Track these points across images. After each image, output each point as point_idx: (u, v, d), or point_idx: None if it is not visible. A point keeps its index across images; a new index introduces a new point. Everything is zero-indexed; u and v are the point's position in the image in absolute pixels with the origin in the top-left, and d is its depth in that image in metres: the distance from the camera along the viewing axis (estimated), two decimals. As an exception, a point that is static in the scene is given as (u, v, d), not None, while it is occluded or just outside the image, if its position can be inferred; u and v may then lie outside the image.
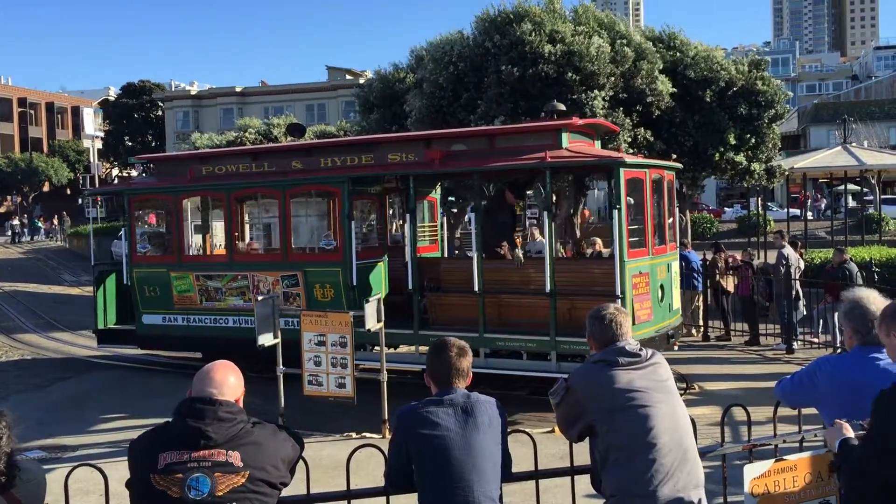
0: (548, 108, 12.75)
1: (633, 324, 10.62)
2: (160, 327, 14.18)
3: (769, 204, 36.20)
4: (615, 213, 10.54)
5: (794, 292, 14.75)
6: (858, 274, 14.25)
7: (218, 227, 15.10)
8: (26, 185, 71.48)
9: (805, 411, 4.45)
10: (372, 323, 10.13)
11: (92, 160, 74.93)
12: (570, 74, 17.25)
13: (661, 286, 11.58)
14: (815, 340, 15.05)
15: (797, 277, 14.99)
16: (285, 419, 10.07)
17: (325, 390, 10.26)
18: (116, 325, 15.28)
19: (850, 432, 3.33)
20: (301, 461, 3.53)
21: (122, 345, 15.49)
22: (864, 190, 35.63)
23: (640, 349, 3.87)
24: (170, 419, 3.27)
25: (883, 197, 35.92)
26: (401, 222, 16.91)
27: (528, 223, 20.77)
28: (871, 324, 3.73)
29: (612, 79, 17.81)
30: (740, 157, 19.91)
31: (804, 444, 4.35)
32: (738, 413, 4.73)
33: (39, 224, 59.91)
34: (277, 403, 10.46)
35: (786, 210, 31.18)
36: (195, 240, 15.20)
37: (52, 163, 72.44)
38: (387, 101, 22.47)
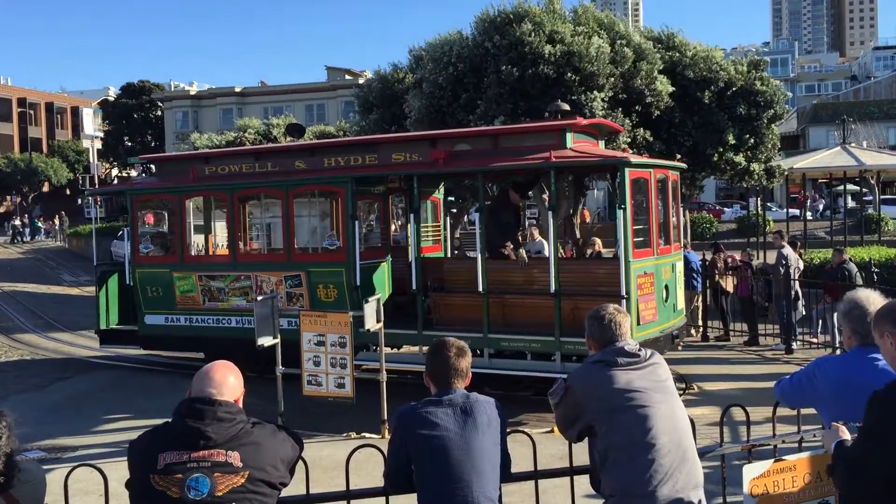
0: (552, 108, 12.73)
1: (638, 324, 10.60)
2: (162, 327, 14.16)
3: (769, 204, 36.22)
4: (620, 213, 10.51)
5: (793, 293, 14.76)
6: (858, 274, 14.25)
7: (221, 228, 15.09)
8: (26, 186, 71.48)
9: (804, 412, 4.46)
10: (371, 323, 10.13)
11: (91, 160, 74.97)
12: (569, 75, 17.26)
13: (666, 286, 11.56)
14: (815, 341, 15.06)
15: (796, 278, 15.00)
16: (285, 419, 10.08)
17: (325, 390, 10.26)
18: (119, 326, 15.27)
19: (846, 434, 3.34)
20: (300, 461, 3.53)
21: (125, 345, 15.46)
22: (864, 190, 35.65)
23: (639, 349, 3.87)
24: (169, 419, 3.27)
25: (882, 197, 35.92)
26: (400, 222, 16.91)
27: (527, 223, 20.76)
28: (870, 324, 3.74)
29: (612, 79, 17.82)
30: (739, 158, 19.93)
31: (803, 445, 4.35)
32: (738, 413, 4.74)
33: (39, 224, 59.91)
34: (277, 403, 10.47)
35: (785, 210, 31.19)
36: (198, 240, 15.18)
37: (52, 163, 72.44)
38: (386, 101, 22.48)
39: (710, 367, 13.75)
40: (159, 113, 71.12)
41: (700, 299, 16.65)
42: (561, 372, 10.40)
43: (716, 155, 19.36)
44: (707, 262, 16.52)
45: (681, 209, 13.66)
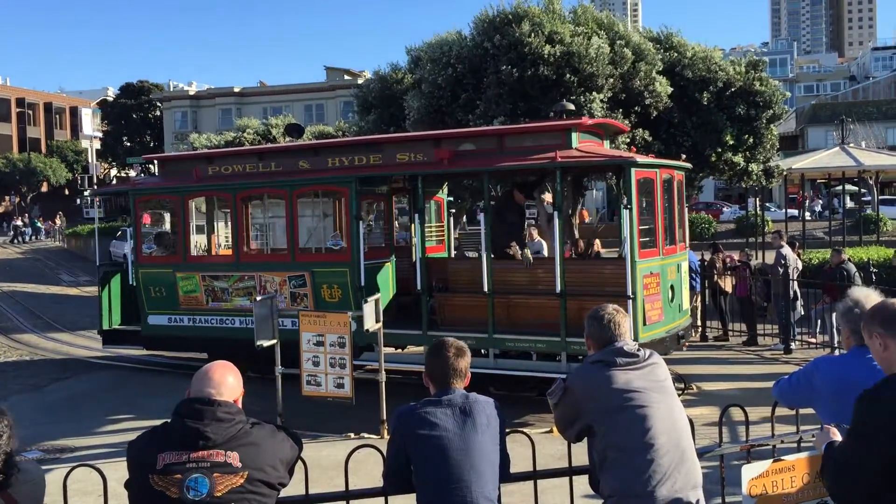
0: (557, 108, 12.70)
1: (644, 324, 10.58)
2: (166, 328, 14.12)
3: (767, 204, 36.23)
4: (626, 213, 10.49)
5: (791, 293, 14.77)
6: (856, 274, 14.26)
7: (224, 228, 15.06)
8: (24, 186, 71.47)
9: (803, 412, 4.46)
10: (370, 323, 10.12)
11: (90, 160, 74.97)
12: (568, 76, 17.27)
13: (672, 287, 11.55)
14: (813, 341, 15.06)
15: (795, 278, 15.00)
16: (284, 419, 10.08)
17: (324, 391, 10.25)
18: (121, 326, 15.26)
19: (837, 436, 3.35)
20: (300, 461, 3.54)
21: (128, 345, 15.43)
22: (862, 190, 35.65)
23: (638, 349, 3.87)
24: (169, 420, 3.27)
25: (881, 197, 35.94)
26: (400, 222, 16.89)
27: (526, 223, 20.75)
28: None
29: (611, 80, 17.83)
30: (738, 158, 19.95)
31: (802, 445, 4.35)
32: (736, 413, 4.75)
33: (39, 224, 59.92)
34: (276, 404, 10.46)
35: (784, 211, 31.21)
36: (201, 240, 15.15)
37: (51, 163, 72.43)
38: (385, 101, 22.49)
39: (709, 368, 13.75)
40: (158, 113, 71.13)
41: (699, 299, 16.66)
42: (566, 372, 10.39)
43: (714, 155, 19.38)
44: (706, 263, 16.52)
45: (686, 209, 13.64)
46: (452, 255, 14.99)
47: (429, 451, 3.58)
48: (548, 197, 13.27)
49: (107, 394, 13.92)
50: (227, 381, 3.33)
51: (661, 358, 3.97)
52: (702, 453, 4.08)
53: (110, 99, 79.02)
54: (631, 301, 10.38)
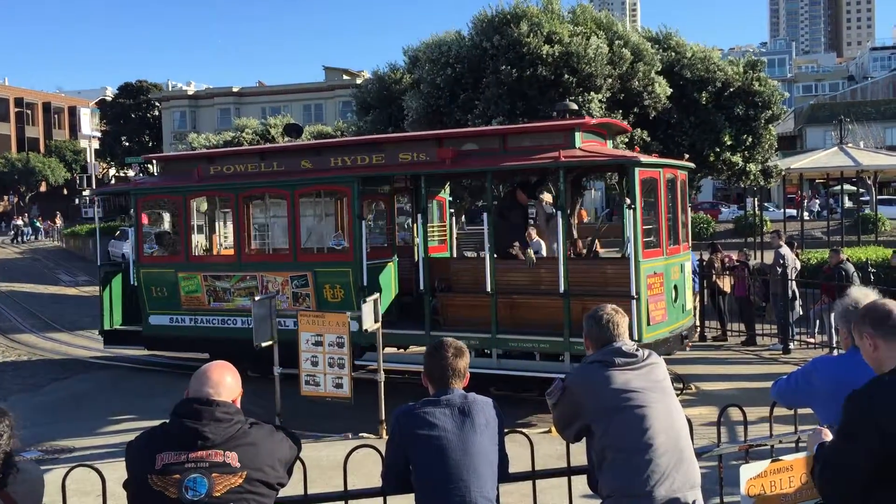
0: (559, 108, 12.66)
1: (648, 325, 10.56)
2: (167, 328, 14.10)
3: (766, 204, 36.25)
4: (630, 212, 10.46)
5: (790, 293, 14.77)
6: (855, 274, 14.27)
7: (226, 227, 15.03)
8: (23, 186, 71.43)
9: (801, 412, 4.47)
10: (369, 323, 10.12)
11: (89, 160, 74.92)
12: (567, 77, 17.28)
13: (675, 286, 11.53)
14: (812, 341, 15.07)
15: (793, 278, 15.02)
16: (282, 419, 10.08)
17: (323, 390, 10.25)
18: (123, 326, 15.24)
19: (829, 437, 3.36)
20: (298, 461, 3.54)
21: (129, 346, 15.41)
22: (861, 190, 35.68)
23: (637, 349, 3.88)
24: (167, 420, 3.27)
25: (879, 197, 35.95)
26: (398, 222, 16.87)
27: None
28: None
29: (610, 80, 17.84)
30: (737, 158, 19.96)
31: (800, 445, 4.35)
32: (735, 413, 4.75)
33: (38, 224, 59.91)
34: (275, 403, 10.46)
35: (782, 210, 31.23)
36: (203, 240, 15.13)
37: (49, 163, 72.40)
38: (384, 101, 22.49)
39: (708, 367, 13.76)
40: (157, 113, 71.12)
41: (697, 299, 16.66)
42: (568, 373, 10.36)
43: (713, 155, 19.39)
44: (704, 263, 16.53)
45: (689, 209, 13.64)
46: (455, 255, 14.98)
47: (428, 452, 3.58)
48: (547, 197, 13.26)
49: (105, 394, 13.91)
50: (225, 382, 3.33)
51: (660, 358, 3.98)
52: (700, 453, 4.08)
53: (109, 99, 78.99)
54: (635, 301, 10.36)
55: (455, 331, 11.07)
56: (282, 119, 40.62)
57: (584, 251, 13.67)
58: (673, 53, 19.70)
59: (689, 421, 3.92)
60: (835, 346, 13.62)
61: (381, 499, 4.05)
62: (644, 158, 11.16)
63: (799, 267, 15.77)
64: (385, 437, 8.37)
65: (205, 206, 15.00)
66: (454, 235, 15.49)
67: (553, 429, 8.07)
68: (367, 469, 4.57)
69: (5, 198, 74.07)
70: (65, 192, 76.01)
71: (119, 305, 15.25)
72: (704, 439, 6.35)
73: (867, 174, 29.22)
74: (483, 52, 18.32)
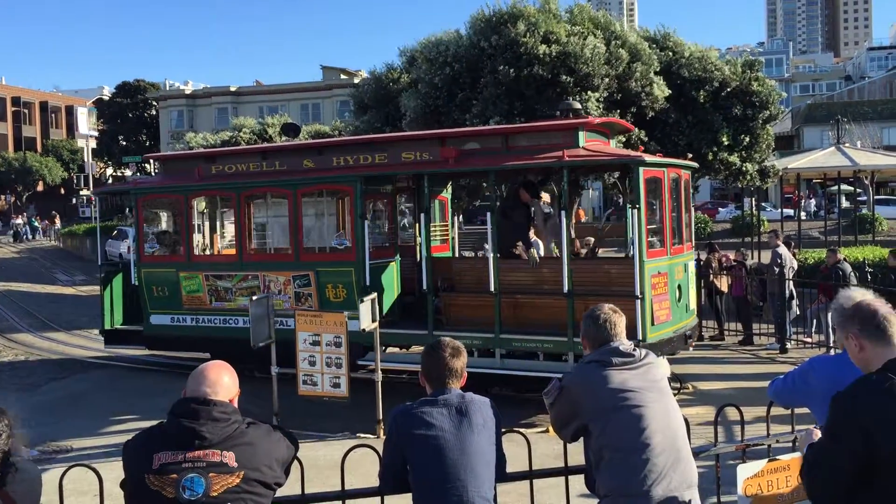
0: (562, 107, 12.63)
1: (653, 324, 10.54)
2: (168, 328, 14.06)
3: (763, 204, 36.27)
4: (634, 212, 10.44)
5: (787, 292, 14.79)
6: (852, 274, 14.29)
7: (227, 227, 14.99)
8: (20, 185, 71.36)
9: (798, 411, 4.47)
10: (366, 323, 10.12)
11: (86, 159, 74.83)
12: (564, 76, 17.28)
13: (679, 286, 11.50)
14: (809, 340, 15.10)
15: (790, 277, 15.03)
16: (280, 419, 10.08)
17: (320, 390, 10.25)
18: (123, 326, 15.20)
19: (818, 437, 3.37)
20: (296, 461, 3.54)
21: (130, 345, 15.36)
22: (858, 190, 35.72)
23: (634, 349, 3.88)
24: (165, 419, 3.27)
25: (876, 197, 35.98)
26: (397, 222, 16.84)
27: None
28: None
29: (607, 80, 17.84)
30: (734, 158, 19.98)
31: (797, 445, 4.36)
32: (732, 413, 4.76)
33: (37, 224, 59.83)
34: (272, 403, 10.46)
35: (779, 210, 31.26)
36: (204, 239, 15.10)
37: (46, 162, 72.33)
38: (381, 101, 22.47)
39: (705, 367, 13.77)
40: (154, 112, 71.03)
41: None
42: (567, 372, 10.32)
43: (710, 155, 19.40)
44: (702, 262, 16.54)
45: (693, 208, 13.62)
46: (457, 255, 14.94)
47: (425, 451, 3.59)
48: (545, 196, 13.25)
49: (103, 393, 13.90)
50: (222, 381, 3.33)
51: (657, 358, 3.98)
52: (697, 453, 4.09)
53: (106, 98, 78.94)
54: (639, 301, 10.35)
55: (458, 331, 11.08)
56: (279, 118, 40.57)
57: (583, 251, 13.65)
58: (670, 53, 19.71)
59: (686, 420, 3.93)
60: (831, 345, 13.63)
61: (378, 499, 4.05)
62: (648, 158, 11.12)
63: (796, 267, 15.79)
64: (382, 436, 8.37)
65: (202, 206, 14.97)
66: (456, 235, 15.46)
67: (550, 428, 8.08)
68: (365, 469, 4.58)
69: (2, 197, 73.99)
70: (62, 191, 75.94)
71: (120, 305, 15.22)
72: (701, 439, 6.36)
73: (864, 174, 29.24)
74: (481, 51, 18.32)
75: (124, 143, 71.73)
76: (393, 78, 22.59)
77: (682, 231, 12.04)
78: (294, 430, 4.02)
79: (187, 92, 69.50)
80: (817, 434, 3.41)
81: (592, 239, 13.74)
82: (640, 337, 10.25)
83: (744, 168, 20.39)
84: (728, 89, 19.68)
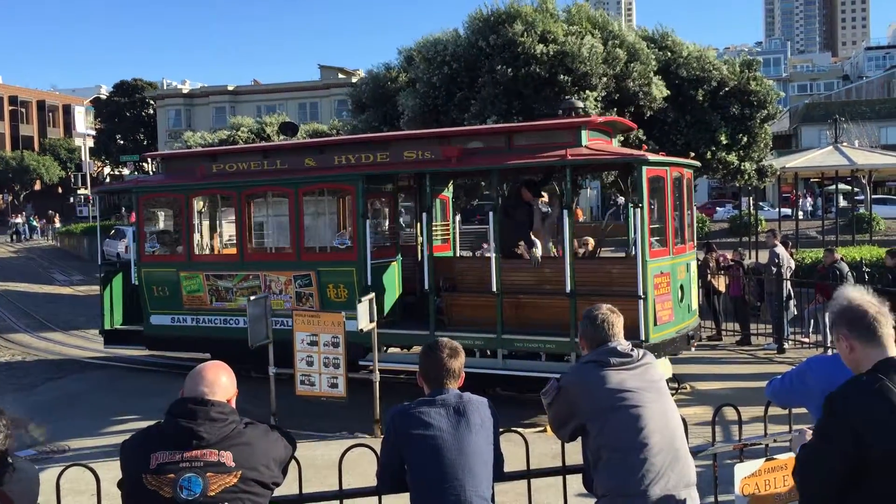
0: (565, 106, 12.58)
1: (655, 325, 10.51)
2: (168, 328, 14.01)
3: (761, 204, 36.32)
4: (637, 211, 10.40)
5: (785, 292, 14.80)
6: (849, 274, 14.30)
7: (228, 226, 14.94)
8: (17, 184, 71.27)
9: (795, 411, 4.47)
10: (364, 323, 10.11)
11: (83, 158, 74.76)
12: (562, 76, 17.28)
13: (681, 286, 11.48)
14: (806, 340, 15.12)
15: (788, 277, 15.05)
16: (277, 418, 10.08)
17: (318, 390, 10.26)
18: (123, 326, 15.16)
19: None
20: (293, 461, 3.54)
21: (130, 345, 15.32)
22: (855, 190, 35.78)
23: (632, 349, 3.89)
24: (162, 419, 3.27)
25: (874, 197, 36.05)
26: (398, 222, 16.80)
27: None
28: None
29: (605, 79, 17.84)
30: (732, 157, 19.98)
31: (791, 445, 4.37)
32: (729, 413, 4.76)
33: (35, 223, 59.79)
34: (269, 403, 10.46)
35: (777, 210, 31.28)
36: (205, 239, 15.07)
37: (44, 161, 72.24)
38: (379, 100, 22.45)
39: (703, 367, 13.78)
40: (152, 111, 70.96)
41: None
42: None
43: (708, 154, 19.40)
44: (699, 262, 16.54)
45: (695, 208, 13.59)
46: (458, 255, 14.90)
47: (423, 451, 3.59)
48: (543, 196, 13.23)
49: (100, 394, 13.88)
50: (220, 381, 3.33)
51: (657, 358, 3.99)
52: (695, 452, 4.09)
53: (103, 97, 78.84)
54: (642, 301, 10.33)
55: (460, 331, 11.07)
56: (277, 117, 40.51)
57: (580, 251, 13.63)
58: (669, 53, 19.71)
59: (683, 420, 3.93)
60: (829, 345, 13.64)
61: (376, 498, 4.05)
62: (651, 157, 11.09)
63: (794, 266, 15.81)
64: (380, 436, 8.37)
65: (201, 205, 14.93)
66: (457, 234, 15.43)
67: (548, 428, 8.08)
68: (363, 468, 4.58)
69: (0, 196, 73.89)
70: (59, 190, 75.85)
71: (119, 305, 15.18)
72: (699, 438, 6.37)
73: (862, 173, 29.29)
74: (479, 51, 18.31)
75: (122, 142, 71.64)
76: (391, 77, 22.57)
77: (685, 230, 12.02)
78: (292, 430, 4.02)
79: (185, 91, 69.45)
80: (810, 434, 3.42)
81: (590, 239, 13.72)
82: (642, 337, 10.22)
83: (742, 167, 20.39)
84: (726, 89, 19.68)
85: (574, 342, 10.65)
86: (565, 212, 11.08)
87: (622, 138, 17.34)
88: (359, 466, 4.66)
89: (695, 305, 12.39)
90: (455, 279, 12.44)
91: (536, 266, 11.51)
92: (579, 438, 3.84)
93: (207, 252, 14.80)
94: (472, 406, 3.70)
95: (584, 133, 11.32)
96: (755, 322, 15.92)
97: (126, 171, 73.46)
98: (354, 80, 44.27)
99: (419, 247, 13.50)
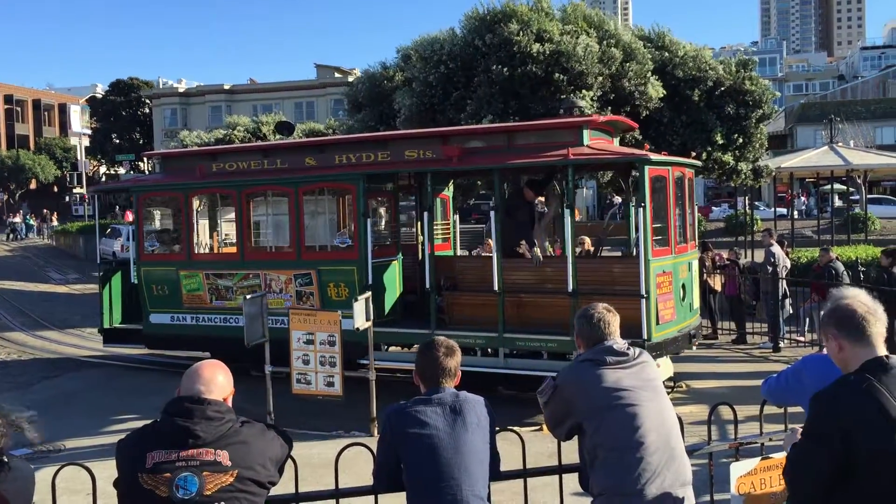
0: (566, 105, 12.54)
1: (658, 323, 10.50)
2: (168, 327, 13.99)
3: (756, 203, 36.35)
4: (640, 211, 10.39)
5: (780, 291, 14.83)
6: (845, 273, 14.33)
7: (228, 225, 14.91)
8: (13, 183, 71.06)
9: (791, 410, 4.48)
10: (361, 321, 10.09)
11: (79, 158, 74.55)
12: (558, 75, 17.28)
13: (683, 285, 11.47)
14: (802, 339, 15.14)
15: (784, 276, 15.07)
16: (274, 417, 10.08)
17: (314, 389, 10.24)
18: (122, 325, 15.13)
19: None
20: (290, 460, 3.54)
21: (129, 344, 15.29)
22: (851, 189, 35.82)
23: (628, 348, 3.89)
24: (158, 418, 3.27)
25: (869, 196, 36.10)
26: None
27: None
28: None
29: (601, 79, 17.86)
30: (728, 157, 20.02)
31: (784, 444, 4.38)
32: (725, 411, 4.76)
33: (32, 222, 59.65)
34: (266, 402, 10.45)
35: (773, 209, 31.33)
36: (205, 238, 15.04)
37: (39, 160, 72.02)
38: (375, 99, 22.45)
39: (698, 366, 13.79)
40: (147, 110, 70.80)
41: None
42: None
43: (704, 154, 19.43)
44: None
45: (696, 207, 13.58)
46: (458, 254, 14.88)
47: (419, 450, 3.59)
48: (540, 196, 13.20)
49: (96, 392, 13.86)
50: (216, 380, 3.33)
51: (650, 356, 3.99)
52: (691, 451, 4.10)
53: (99, 96, 78.55)
54: (644, 300, 10.33)
55: (461, 330, 11.08)
56: (273, 117, 40.46)
57: (577, 250, 13.61)
58: (665, 52, 19.73)
59: (679, 419, 3.94)
60: (824, 344, 13.66)
61: (372, 497, 4.05)
62: (654, 156, 11.08)
63: (789, 265, 15.84)
64: (376, 435, 8.37)
65: (198, 203, 14.89)
66: (458, 233, 15.40)
67: (544, 427, 8.08)
68: (359, 467, 4.58)
69: (-5, 195, 73.69)
70: (55, 189, 75.66)
71: (119, 304, 15.15)
72: (695, 437, 6.38)
73: (857, 173, 29.32)
74: (475, 50, 18.31)
75: (118, 141, 71.43)
76: (387, 76, 22.56)
77: (686, 230, 12.01)
78: (288, 429, 4.02)
79: (181, 90, 69.27)
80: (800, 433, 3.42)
81: (586, 238, 13.71)
82: (644, 336, 10.22)
83: (737, 167, 20.43)
84: (722, 88, 19.71)
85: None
86: (566, 211, 11.06)
87: (618, 138, 17.39)
88: (355, 465, 4.67)
89: (696, 304, 12.39)
90: (456, 278, 12.42)
91: (538, 265, 11.50)
92: (575, 437, 3.84)
93: (207, 251, 14.76)
94: (468, 405, 3.70)
95: (585, 132, 11.30)
96: (751, 321, 15.95)
97: (122, 171, 73.33)
98: (351, 79, 44.23)
99: (420, 246, 13.48)
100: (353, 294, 11.90)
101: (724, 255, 17.12)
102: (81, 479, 4.01)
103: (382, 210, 14.76)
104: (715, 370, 13.58)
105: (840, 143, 29.83)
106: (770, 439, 4.50)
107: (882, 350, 3.12)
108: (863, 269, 14.91)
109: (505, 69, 17.42)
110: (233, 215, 14.12)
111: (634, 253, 11.22)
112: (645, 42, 19.78)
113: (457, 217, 15.35)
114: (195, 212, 14.31)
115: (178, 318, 13.90)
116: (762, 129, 20.85)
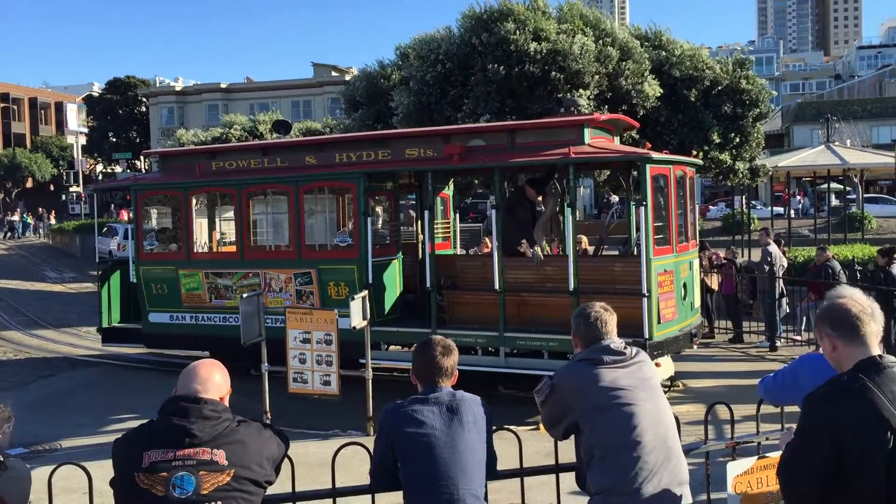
0: (567, 103, 12.51)
1: (659, 322, 10.49)
2: (167, 326, 13.96)
3: (753, 202, 36.38)
4: (641, 209, 10.38)
5: (777, 290, 14.84)
6: (841, 272, 14.34)
7: (228, 224, 14.90)
8: (9, 181, 70.96)
9: (787, 409, 4.48)
10: (357, 320, 10.08)
11: (76, 156, 74.43)
12: (554, 74, 17.29)
13: (684, 284, 11.47)
14: (798, 338, 15.16)
15: (780, 275, 15.08)
16: (270, 417, 10.06)
17: (311, 388, 10.23)
18: (121, 324, 15.12)
19: None
20: (286, 459, 3.53)
21: (128, 343, 15.26)
22: (847, 189, 35.87)
23: (625, 347, 3.89)
24: (155, 417, 3.26)
25: (865, 196, 36.13)
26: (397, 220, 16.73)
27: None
28: None
29: (597, 78, 17.87)
30: (724, 156, 20.04)
31: (779, 443, 4.38)
32: (722, 411, 4.76)
33: (29, 221, 59.53)
34: (262, 401, 10.44)
35: (770, 208, 31.36)
36: (204, 237, 15.00)
37: (36, 158, 71.91)
38: (372, 98, 22.44)
39: (695, 365, 13.80)
40: (144, 109, 70.71)
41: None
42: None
43: (701, 153, 19.46)
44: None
45: (697, 206, 13.57)
46: (458, 252, 14.85)
47: (416, 449, 3.59)
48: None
49: (92, 391, 13.84)
50: (213, 379, 3.33)
51: (647, 355, 3.99)
52: (687, 450, 4.10)
53: (96, 94, 78.47)
54: (646, 299, 10.32)
55: (461, 329, 11.06)
56: (270, 115, 40.43)
57: (597, 250, 13.57)
58: (662, 52, 19.75)
59: (676, 418, 3.94)
60: (818, 343, 13.67)
61: (369, 496, 4.04)
62: (655, 155, 11.07)
63: (786, 265, 15.85)
64: (373, 434, 8.37)
65: (200, 202, 14.86)
66: (458, 232, 15.37)
67: (541, 426, 8.08)
68: (356, 467, 4.57)
69: (-9, 194, 73.58)
70: (51, 188, 75.55)
71: (117, 303, 15.13)
72: (692, 436, 6.38)
73: (854, 172, 29.38)
74: (472, 49, 18.32)
75: (114, 139, 71.33)
76: (384, 75, 22.56)
77: (688, 229, 12.01)
78: (285, 428, 4.01)
79: (178, 88, 69.19)
80: None
81: (583, 237, 13.70)
82: (646, 335, 10.22)
83: (734, 166, 20.45)
84: (719, 88, 19.73)
85: None
86: (568, 210, 11.05)
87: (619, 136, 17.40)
88: (352, 465, 4.66)
89: (697, 303, 12.39)
90: (456, 277, 12.40)
91: (539, 264, 11.49)
92: (572, 436, 3.84)
93: (207, 250, 14.74)
94: (465, 404, 3.70)
95: (586, 131, 11.29)
96: (748, 320, 15.96)
97: (118, 169, 73.25)
98: (348, 78, 44.21)
99: (420, 245, 13.46)
100: (354, 293, 11.89)
101: (721, 254, 17.12)
102: (78, 478, 4.00)
103: (387, 208, 14.75)
104: (712, 369, 13.59)
105: (837, 143, 29.89)
106: (767, 438, 4.50)
107: (876, 350, 3.12)
108: (859, 268, 14.93)
109: (502, 68, 17.42)
110: (232, 214, 14.09)
111: (634, 252, 11.22)
112: (642, 41, 19.79)
113: (457, 216, 15.33)
114: (195, 211, 14.29)
115: (177, 317, 13.87)
116: (759, 129, 20.88)
